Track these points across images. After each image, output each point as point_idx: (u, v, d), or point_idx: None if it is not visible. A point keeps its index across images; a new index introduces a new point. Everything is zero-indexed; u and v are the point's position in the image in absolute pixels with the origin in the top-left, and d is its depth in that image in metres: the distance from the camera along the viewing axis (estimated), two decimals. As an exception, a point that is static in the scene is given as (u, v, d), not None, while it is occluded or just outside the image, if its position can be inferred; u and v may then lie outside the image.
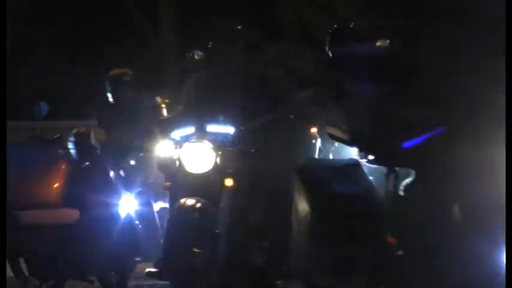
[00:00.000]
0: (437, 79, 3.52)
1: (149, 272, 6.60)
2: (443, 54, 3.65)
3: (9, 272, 5.56)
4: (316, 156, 6.84)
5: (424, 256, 3.48)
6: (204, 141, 6.43)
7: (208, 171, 6.55)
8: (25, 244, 7.04)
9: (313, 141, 6.96)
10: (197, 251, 6.11)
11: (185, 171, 6.50)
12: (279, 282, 5.63)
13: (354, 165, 3.79)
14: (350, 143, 4.00)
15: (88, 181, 7.41)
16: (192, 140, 6.48)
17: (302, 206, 3.69)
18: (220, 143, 6.56)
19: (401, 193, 3.76)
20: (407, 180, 3.71)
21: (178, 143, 6.65)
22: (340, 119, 3.91)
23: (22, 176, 7.40)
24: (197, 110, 6.90)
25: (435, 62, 3.65)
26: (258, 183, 6.45)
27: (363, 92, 3.70)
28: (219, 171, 6.50)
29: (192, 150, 6.65)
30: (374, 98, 3.63)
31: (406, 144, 3.29)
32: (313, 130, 6.90)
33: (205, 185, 6.54)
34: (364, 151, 3.88)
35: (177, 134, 6.78)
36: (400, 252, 3.68)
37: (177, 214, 6.24)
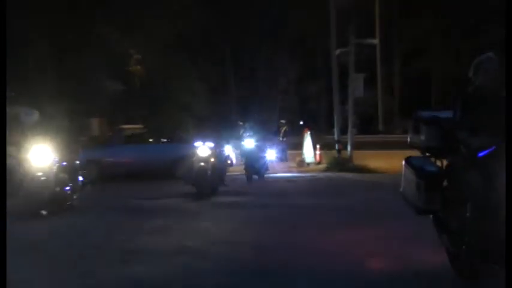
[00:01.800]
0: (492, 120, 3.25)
1: None
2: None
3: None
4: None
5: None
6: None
7: (252, 147, 10.77)
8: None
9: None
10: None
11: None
12: None
13: (428, 157, 3.84)
14: (425, 151, 3.95)
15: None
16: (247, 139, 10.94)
17: (410, 172, 3.75)
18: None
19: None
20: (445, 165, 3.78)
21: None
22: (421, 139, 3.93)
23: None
24: None
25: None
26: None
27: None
28: (258, 148, 10.98)
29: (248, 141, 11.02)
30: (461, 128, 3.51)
31: (480, 154, 3.17)
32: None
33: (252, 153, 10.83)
34: (434, 154, 3.82)
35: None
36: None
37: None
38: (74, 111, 12.56)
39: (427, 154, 3.96)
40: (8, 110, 6.13)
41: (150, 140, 13.22)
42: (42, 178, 6.68)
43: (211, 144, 9.07)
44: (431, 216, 3.84)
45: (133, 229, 6.12)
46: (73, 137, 7.61)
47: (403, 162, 4.00)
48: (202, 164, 8.79)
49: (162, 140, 13.12)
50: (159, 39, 16.26)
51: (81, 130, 15.08)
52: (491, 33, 22.32)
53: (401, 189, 4.06)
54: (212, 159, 8.97)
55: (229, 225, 6.33)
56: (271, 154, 12.86)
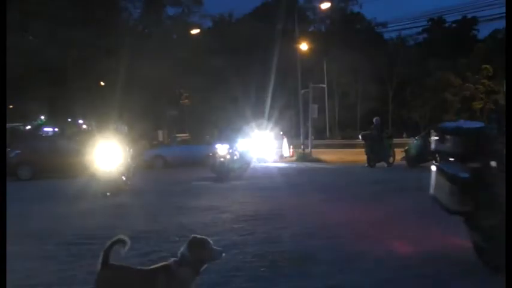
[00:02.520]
0: None
1: None
2: None
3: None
4: None
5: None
6: None
7: (245, 148, 8.44)
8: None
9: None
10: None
11: None
12: None
13: (454, 163, 2.47)
14: (450, 156, 2.56)
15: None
16: None
17: (442, 178, 2.48)
18: None
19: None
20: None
21: None
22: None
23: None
24: None
25: None
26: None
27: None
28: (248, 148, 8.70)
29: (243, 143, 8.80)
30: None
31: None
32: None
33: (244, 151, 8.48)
34: (458, 159, 2.46)
35: None
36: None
37: None
38: (148, 127, 13.60)
39: (451, 159, 2.61)
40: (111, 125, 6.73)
41: (192, 143, 12.87)
42: (108, 170, 6.28)
43: (227, 146, 8.43)
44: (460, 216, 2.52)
45: (178, 196, 5.92)
46: (135, 143, 7.61)
47: (433, 168, 2.68)
48: (221, 159, 8.21)
49: (198, 143, 12.57)
50: (198, 83, 16.54)
51: (152, 138, 16.10)
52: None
53: (431, 192, 2.68)
54: (227, 156, 8.33)
55: (239, 193, 6.13)
56: (269, 151, 12.40)
